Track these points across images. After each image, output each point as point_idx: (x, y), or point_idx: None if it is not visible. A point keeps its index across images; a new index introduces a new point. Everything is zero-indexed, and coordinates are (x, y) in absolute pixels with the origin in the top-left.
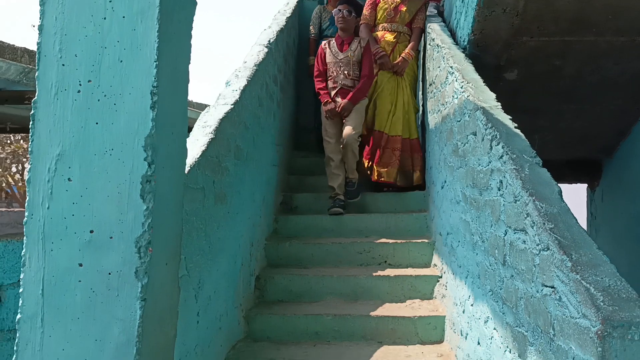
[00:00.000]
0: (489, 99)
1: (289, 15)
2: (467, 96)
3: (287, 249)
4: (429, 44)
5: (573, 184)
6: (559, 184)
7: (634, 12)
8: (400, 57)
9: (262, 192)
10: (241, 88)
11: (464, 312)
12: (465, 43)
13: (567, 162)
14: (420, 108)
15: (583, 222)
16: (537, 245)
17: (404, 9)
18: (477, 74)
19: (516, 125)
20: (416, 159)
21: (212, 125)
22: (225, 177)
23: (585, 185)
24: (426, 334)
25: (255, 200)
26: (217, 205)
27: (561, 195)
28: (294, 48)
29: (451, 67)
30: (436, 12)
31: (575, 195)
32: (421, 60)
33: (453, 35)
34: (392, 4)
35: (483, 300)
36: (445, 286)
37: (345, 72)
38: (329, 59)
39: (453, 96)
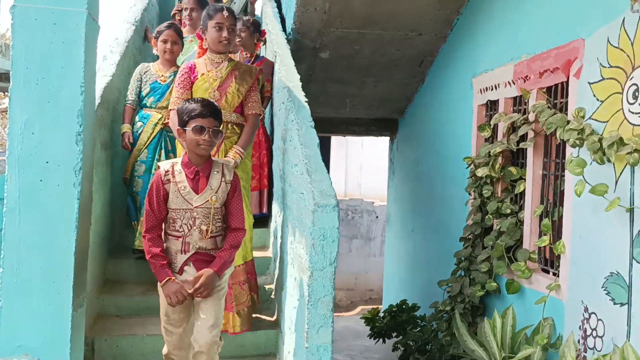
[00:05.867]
0: (294, 79)
1: None
2: (281, 77)
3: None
4: (265, 27)
5: (381, 137)
6: (370, 137)
7: (406, 16)
8: (225, 159)
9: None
10: (116, 62)
11: (275, 222)
12: (290, 30)
13: (373, 120)
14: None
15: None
16: (300, 171)
17: (232, 87)
18: (292, 58)
19: (307, 100)
20: (253, 284)
21: (98, 93)
22: (106, 130)
23: (388, 138)
24: (257, 242)
25: None
26: (102, 151)
27: (318, 145)
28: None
29: (275, 51)
30: None
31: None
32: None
33: (283, 21)
34: (214, 81)
35: (283, 211)
36: (269, 207)
37: (204, 227)
38: (173, 202)
39: (277, 73)
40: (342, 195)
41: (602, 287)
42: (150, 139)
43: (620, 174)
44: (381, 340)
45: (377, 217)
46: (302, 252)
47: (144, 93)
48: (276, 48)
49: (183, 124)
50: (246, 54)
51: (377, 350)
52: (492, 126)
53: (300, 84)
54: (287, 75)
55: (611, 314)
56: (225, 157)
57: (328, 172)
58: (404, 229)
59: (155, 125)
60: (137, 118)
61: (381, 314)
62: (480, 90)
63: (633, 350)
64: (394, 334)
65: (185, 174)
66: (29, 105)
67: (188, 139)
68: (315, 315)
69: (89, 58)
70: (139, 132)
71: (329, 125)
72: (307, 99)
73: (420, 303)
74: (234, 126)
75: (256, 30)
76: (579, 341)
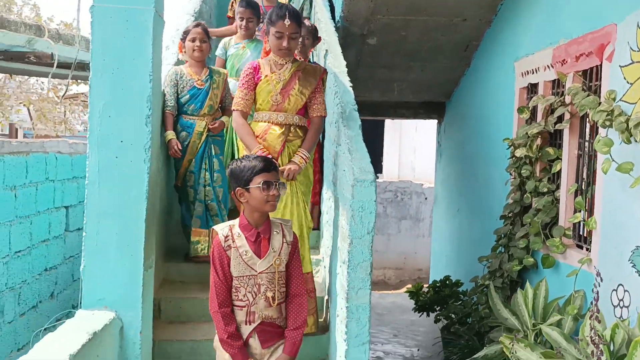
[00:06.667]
0: (341, 65)
1: None
2: (328, 63)
3: None
4: (314, 16)
5: (429, 120)
6: (417, 120)
7: (450, 3)
8: (291, 163)
9: None
10: (177, 52)
11: (322, 199)
12: (339, 18)
13: (422, 104)
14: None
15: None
16: (342, 150)
17: (295, 89)
18: (340, 45)
19: (352, 85)
20: (312, 299)
21: (163, 80)
22: None
23: (436, 120)
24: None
25: None
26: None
27: (360, 127)
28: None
29: (324, 39)
30: None
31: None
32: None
33: (332, 10)
34: (277, 83)
35: (328, 187)
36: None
37: (269, 294)
38: (235, 269)
39: (325, 59)
40: (396, 178)
41: (629, 260)
42: (198, 149)
43: None
44: (425, 314)
45: (425, 198)
46: (343, 223)
47: (182, 100)
48: (325, 36)
49: (245, 182)
50: (300, 58)
51: (423, 324)
52: (530, 108)
53: (346, 70)
54: (334, 62)
55: (636, 285)
56: (289, 161)
57: (381, 155)
58: (450, 209)
59: (202, 134)
60: (179, 127)
61: (425, 289)
62: (522, 73)
63: None
64: (437, 308)
65: (246, 237)
66: (106, 92)
67: (253, 197)
68: (355, 278)
69: (156, 50)
70: (187, 142)
71: (377, 108)
72: (352, 84)
73: (464, 279)
74: (297, 129)
75: (315, 37)
76: (591, 303)
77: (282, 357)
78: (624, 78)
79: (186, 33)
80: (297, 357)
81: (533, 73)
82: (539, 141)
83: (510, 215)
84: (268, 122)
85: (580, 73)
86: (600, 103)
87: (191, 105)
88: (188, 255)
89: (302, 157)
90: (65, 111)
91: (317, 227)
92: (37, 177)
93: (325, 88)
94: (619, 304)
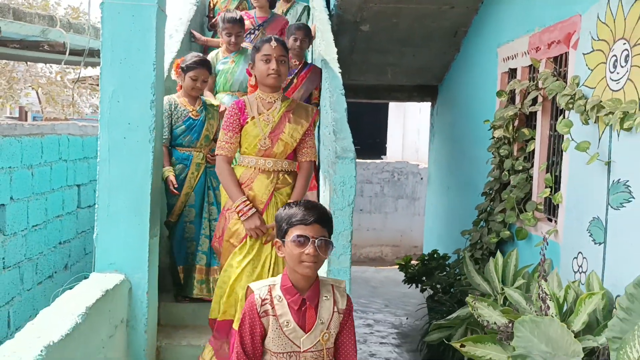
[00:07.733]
0: (331, 53)
1: None
2: (320, 50)
3: None
4: (310, 4)
5: (423, 103)
6: (412, 102)
7: None
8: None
9: None
10: (180, 40)
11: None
12: (333, 6)
13: (415, 87)
14: None
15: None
16: (329, 132)
17: (285, 133)
18: (334, 31)
19: (340, 71)
20: None
21: (166, 67)
22: None
23: (430, 103)
24: None
25: None
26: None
27: (345, 110)
28: None
29: (317, 27)
30: None
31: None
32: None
33: None
34: (265, 126)
35: (321, 166)
36: None
37: None
38: (274, 344)
39: (317, 47)
40: (400, 159)
41: (587, 230)
42: (196, 181)
43: (602, 132)
44: (414, 285)
45: (421, 178)
46: (327, 197)
47: (178, 131)
48: (318, 24)
49: (282, 234)
50: (295, 61)
51: (413, 296)
52: (509, 92)
53: (336, 56)
54: (325, 50)
55: (592, 252)
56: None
57: (385, 137)
58: (441, 187)
59: (200, 165)
60: (174, 159)
61: (414, 263)
62: (503, 59)
63: (597, 278)
64: (424, 279)
65: (288, 304)
66: (115, 80)
67: (287, 253)
68: (337, 245)
69: (159, 42)
70: (184, 174)
71: (372, 91)
72: (347, 68)
73: (451, 253)
74: (286, 175)
75: (311, 39)
76: (538, 264)
77: None
78: (586, 64)
79: (189, 68)
80: None
81: (513, 59)
82: (516, 123)
83: (490, 191)
84: (255, 168)
85: (552, 59)
86: (565, 87)
87: (187, 136)
88: (180, 293)
89: None
90: (73, 94)
91: None
92: (51, 157)
93: (316, 131)
94: (578, 270)
